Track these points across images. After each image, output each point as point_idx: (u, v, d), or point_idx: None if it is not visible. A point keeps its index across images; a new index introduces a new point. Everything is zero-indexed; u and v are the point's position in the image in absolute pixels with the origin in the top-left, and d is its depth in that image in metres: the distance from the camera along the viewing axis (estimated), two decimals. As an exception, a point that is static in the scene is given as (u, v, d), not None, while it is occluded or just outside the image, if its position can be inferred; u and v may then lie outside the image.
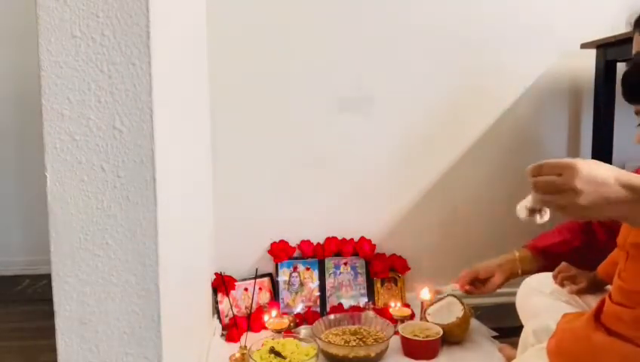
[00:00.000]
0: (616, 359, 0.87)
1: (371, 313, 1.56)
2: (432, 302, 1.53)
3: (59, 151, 0.79)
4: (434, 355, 1.38)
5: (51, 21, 0.77)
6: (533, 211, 0.79)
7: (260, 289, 1.68)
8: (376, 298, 1.71)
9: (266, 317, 1.51)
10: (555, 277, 1.29)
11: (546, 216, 0.79)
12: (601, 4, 1.75)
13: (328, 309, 1.67)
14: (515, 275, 1.39)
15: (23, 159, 2.26)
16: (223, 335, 1.54)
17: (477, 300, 1.73)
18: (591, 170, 0.70)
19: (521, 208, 0.82)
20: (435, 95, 1.77)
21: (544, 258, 1.36)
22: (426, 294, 1.53)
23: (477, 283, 1.42)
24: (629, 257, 0.92)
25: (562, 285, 1.27)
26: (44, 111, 0.78)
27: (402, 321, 1.50)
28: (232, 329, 1.52)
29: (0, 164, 2.29)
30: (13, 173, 2.29)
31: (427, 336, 1.39)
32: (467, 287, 1.42)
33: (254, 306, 1.61)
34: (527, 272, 1.38)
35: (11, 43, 2.20)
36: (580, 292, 1.24)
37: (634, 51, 1.12)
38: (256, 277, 1.60)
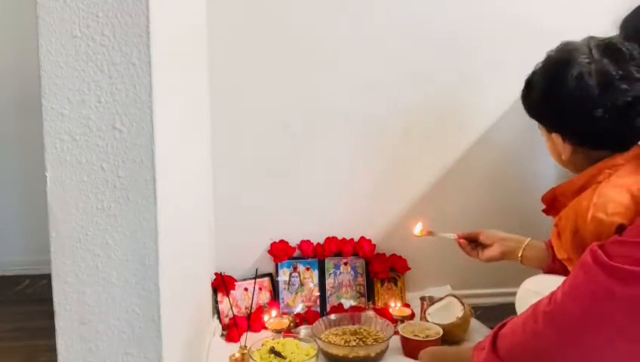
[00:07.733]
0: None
1: (371, 313, 1.56)
2: (432, 302, 1.53)
3: (59, 151, 0.79)
4: (434, 355, 1.38)
5: (51, 21, 0.77)
6: None
7: (260, 289, 1.68)
8: (376, 298, 1.71)
9: (266, 317, 1.51)
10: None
11: None
12: (601, 5, 1.75)
13: (328, 309, 1.67)
14: (514, 256, 1.32)
15: (23, 159, 2.26)
16: (223, 335, 1.54)
17: (477, 300, 1.73)
18: None
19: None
20: (434, 95, 1.76)
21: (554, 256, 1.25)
22: (418, 229, 1.48)
23: (476, 245, 1.39)
24: None
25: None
26: (44, 111, 0.78)
27: (402, 321, 1.50)
28: (232, 329, 1.52)
29: (0, 164, 2.29)
30: (13, 173, 2.29)
31: (427, 336, 1.39)
32: (462, 241, 1.40)
33: (254, 306, 1.61)
34: (528, 260, 1.31)
35: (11, 43, 2.21)
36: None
37: None
38: (256, 277, 1.60)
